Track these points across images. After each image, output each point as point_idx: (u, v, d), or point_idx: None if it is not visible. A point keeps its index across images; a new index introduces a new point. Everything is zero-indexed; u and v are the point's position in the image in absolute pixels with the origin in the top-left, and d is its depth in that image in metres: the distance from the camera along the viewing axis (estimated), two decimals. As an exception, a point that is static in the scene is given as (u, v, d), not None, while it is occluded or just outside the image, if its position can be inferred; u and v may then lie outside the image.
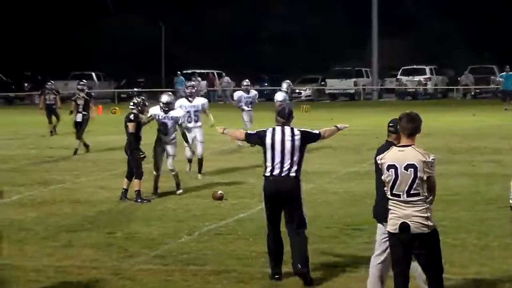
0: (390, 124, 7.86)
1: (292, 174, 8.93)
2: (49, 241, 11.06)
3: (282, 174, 8.91)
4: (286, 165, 8.92)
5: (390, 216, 7.21)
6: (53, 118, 27.55)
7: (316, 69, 57.65)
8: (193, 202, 14.02)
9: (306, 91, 54.70)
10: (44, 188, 15.93)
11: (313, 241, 10.79)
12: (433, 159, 7.15)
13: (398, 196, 7.14)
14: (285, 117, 9.18)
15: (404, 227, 7.08)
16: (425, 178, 7.08)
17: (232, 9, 65.65)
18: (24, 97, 55.27)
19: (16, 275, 9.34)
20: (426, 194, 7.13)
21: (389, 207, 7.23)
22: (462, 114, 35.53)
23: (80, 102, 21.55)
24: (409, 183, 7.07)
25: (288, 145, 8.96)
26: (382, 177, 7.23)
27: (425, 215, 7.11)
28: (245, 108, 23.14)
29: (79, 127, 21.62)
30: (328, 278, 8.96)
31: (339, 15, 64.78)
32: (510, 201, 6.06)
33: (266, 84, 56.85)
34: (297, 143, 9.00)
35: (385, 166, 7.19)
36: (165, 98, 15.09)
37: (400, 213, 7.13)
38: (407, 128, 7.21)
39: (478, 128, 25.68)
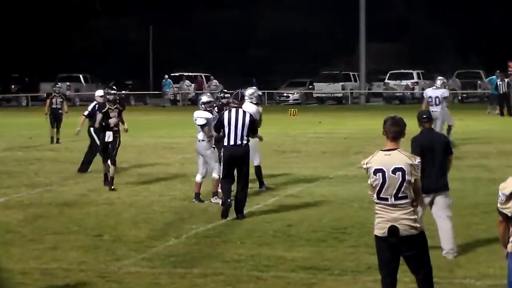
0: (423, 116, 9.96)
1: (244, 142, 12.51)
2: (35, 244, 11.02)
3: (237, 143, 12.47)
4: (239, 137, 12.45)
5: (377, 220, 7.22)
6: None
7: (304, 73, 57.70)
8: (181, 205, 14.01)
9: (294, 94, 54.74)
10: (31, 191, 15.88)
11: (300, 244, 10.83)
12: (419, 162, 7.19)
13: (386, 199, 7.16)
14: (238, 99, 12.81)
15: (393, 230, 7.11)
16: (412, 181, 7.13)
17: (220, 13, 65.65)
18: (11, 99, 55.08)
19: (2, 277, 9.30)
20: (413, 196, 7.18)
21: (376, 211, 7.25)
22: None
23: (113, 115, 15.91)
24: (397, 187, 7.10)
25: (240, 122, 12.46)
26: (369, 181, 7.25)
27: (413, 217, 7.15)
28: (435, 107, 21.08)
29: (110, 147, 16.00)
30: (316, 282, 8.97)
31: (328, 19, 64.87)
32: (498, 205, 6.09)
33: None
34: (246, 121, 12.50)
35: (371, 170, 7.20)
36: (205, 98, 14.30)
37: (388, 216, 7.15)
38: (391, 131, 7.25)
39: (464, 133, 25.73)
